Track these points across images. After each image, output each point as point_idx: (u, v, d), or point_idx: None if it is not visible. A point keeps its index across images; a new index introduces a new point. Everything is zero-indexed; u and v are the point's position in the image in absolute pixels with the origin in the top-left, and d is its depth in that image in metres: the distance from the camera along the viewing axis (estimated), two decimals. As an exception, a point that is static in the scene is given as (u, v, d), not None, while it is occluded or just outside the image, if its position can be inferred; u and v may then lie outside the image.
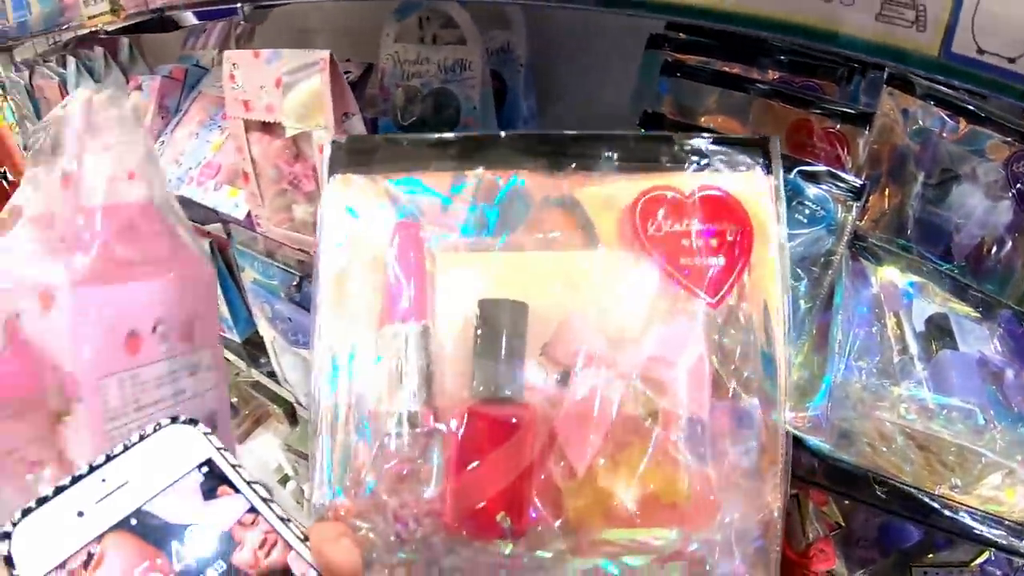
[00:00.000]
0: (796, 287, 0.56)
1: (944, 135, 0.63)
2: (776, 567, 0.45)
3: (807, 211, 0.57)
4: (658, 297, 0.45)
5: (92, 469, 0.35)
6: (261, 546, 0.35)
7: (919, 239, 0.67)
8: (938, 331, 0.59)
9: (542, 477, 0.42)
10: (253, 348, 1.26)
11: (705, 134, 0.49)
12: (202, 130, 1.18)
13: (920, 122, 0.64)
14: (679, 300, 0.45)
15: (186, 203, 1.02)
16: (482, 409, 0.43)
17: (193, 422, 0.38)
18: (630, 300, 0.45)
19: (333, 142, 0.50)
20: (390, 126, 0.94)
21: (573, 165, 0.49)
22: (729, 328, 0.45)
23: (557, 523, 0.42)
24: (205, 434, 0.38)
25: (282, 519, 0.37)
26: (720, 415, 0.44)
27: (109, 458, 0.35)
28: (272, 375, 1.24)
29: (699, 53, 0.78)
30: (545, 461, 0.43)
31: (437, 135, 0.50)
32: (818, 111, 0.70)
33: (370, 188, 0.49)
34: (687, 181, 0.48)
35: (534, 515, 0.42)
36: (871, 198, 0.66)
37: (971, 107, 0.62)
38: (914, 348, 0.57)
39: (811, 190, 0.57)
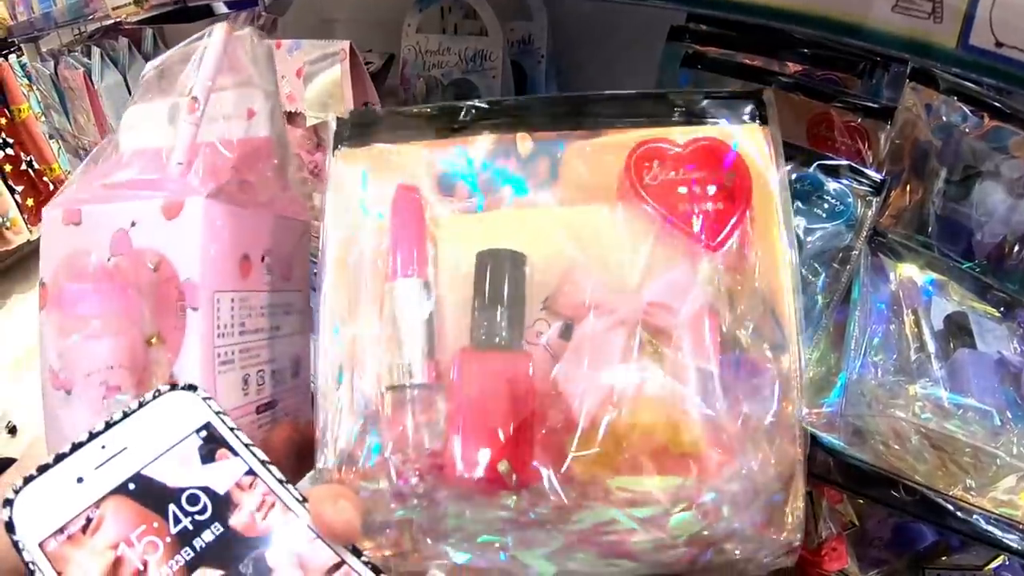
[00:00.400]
0: (814, 282, 0.55)
1: (967, 131, 0.62)
2: (800, 522, 0.44)
3: (826, 205, 0.57)
4: (657, 245, 0.45)
5: (92, 436, 0.35)
6: (259, 508, 0.35)
7: (940, 236, 0.65)
8: (957, 330, 0.58)
9: (543, 432, 0.42)
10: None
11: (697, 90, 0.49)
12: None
13: (943, 118, 0.62)
14: (678, 247, 0.45)
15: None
16: (479, 356, 0.43)
17: (192, 388, 0.38)
18: (630, 250, 0.45)
19: (338, 119, 0.51)
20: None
21: (572, 125, 0.49)
22: (732, 274, 0.45)
23: (562, 471, 0.41)
24: (204, 399, 0.38)
25: (280, 481, 0.36)
26: (730, 363, 0.44)
27: (109, 425, 0.36)
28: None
29: (720, 45, 0.77)
30: (548, 413, 0.43)
31: (439, 105, 0.51)
32: (840, 104, 0.69)
33: (373, 158, 0.49)
34: (682, 133, 0.48)
35: (537, 466, 0.42)
36: (892, 194, 0.65)
37: (995, 103, 0.60)
38: (932, 346, 0.56)
39: (831, 184, 0.57)
